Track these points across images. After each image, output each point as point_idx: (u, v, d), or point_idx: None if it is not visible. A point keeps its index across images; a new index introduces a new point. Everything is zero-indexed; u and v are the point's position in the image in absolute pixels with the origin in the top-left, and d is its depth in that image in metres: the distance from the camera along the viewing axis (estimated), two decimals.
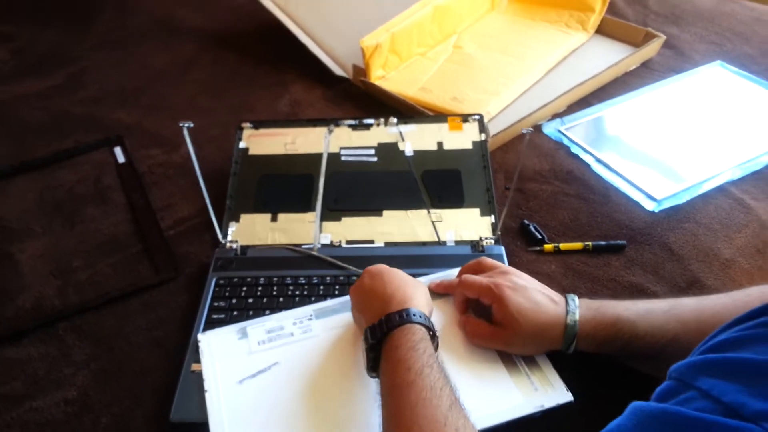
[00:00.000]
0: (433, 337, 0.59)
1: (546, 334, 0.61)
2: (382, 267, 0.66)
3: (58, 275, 0.83)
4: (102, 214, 0.92)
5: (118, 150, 1.03)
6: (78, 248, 0.87)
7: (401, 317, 0.57)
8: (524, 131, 0.74)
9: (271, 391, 0.64)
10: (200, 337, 0.70)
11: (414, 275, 0.69)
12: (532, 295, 0.62)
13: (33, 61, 1.31)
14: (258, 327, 0.71)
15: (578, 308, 0.61)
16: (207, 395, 0.64)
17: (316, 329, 0.70)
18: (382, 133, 0.96)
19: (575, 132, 1.00)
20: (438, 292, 0.70)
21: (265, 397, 0.64)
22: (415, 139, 0.94)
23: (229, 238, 0.84)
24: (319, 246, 0.83)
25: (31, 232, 0.90)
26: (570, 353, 0.61)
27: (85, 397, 0.68)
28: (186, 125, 0.72)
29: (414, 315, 0.58)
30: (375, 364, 0.58)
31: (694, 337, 0.57)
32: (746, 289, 0.61)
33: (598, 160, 0.94)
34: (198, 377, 0.67)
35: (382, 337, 0.57)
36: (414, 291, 0.62)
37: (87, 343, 0.74)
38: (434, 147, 0.93)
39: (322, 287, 0.77)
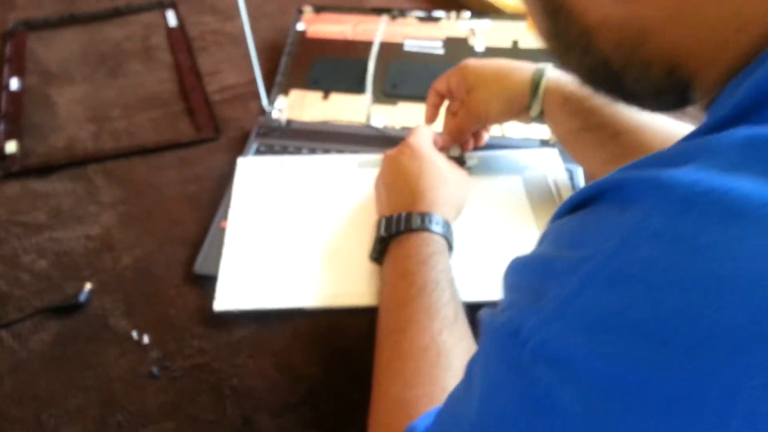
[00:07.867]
0: (450, 249, 0.54)
1: (510, 79, 0.60)
2: (427, 149, 0.60)
3: (94, 121, 0.78)
4: (146, 71, 0.87)
5: (170, 13, 0.97)
6: (118, 99, 0.82)
7: (422, 222, 0.53)
8: None
9: (296, 225, 0.63)
10: (240, 161, 0.69)
11: None
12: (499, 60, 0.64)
13: None
14: (299, 163, 0.69)
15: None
16: (230, 210, 0.63)
17: (356, 177, 0.67)
18: (452, 26, 0.88)
19: None
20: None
21: (289, 228, 0.63)
22: (488, 35, 0.86)
23: (275, 107, 0.78)
24: (370, 126, 0.76)
25: (71, 78, 0.85)
26: (534, 118, 0.61)
27: (108, 236, 0.64)
28: None
29: (436, 224, 0.53)
30: (380, 256, 0.55)
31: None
32: None
33: None
34: None
35: (396, 234, 0.53)
36: (448, 194, 0.57)
37: (116, 187, 0.69)
38: (508, 45, 0.84)
39: None
